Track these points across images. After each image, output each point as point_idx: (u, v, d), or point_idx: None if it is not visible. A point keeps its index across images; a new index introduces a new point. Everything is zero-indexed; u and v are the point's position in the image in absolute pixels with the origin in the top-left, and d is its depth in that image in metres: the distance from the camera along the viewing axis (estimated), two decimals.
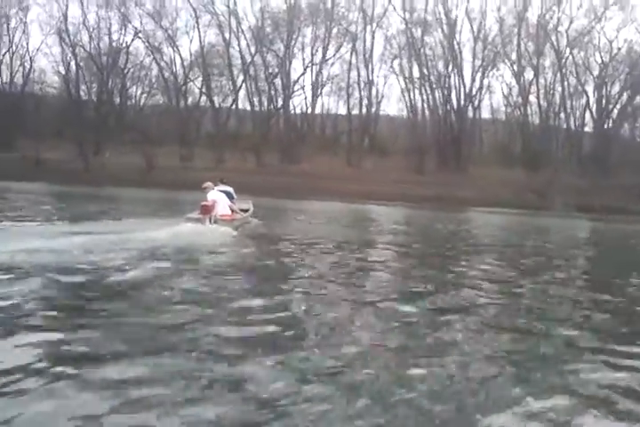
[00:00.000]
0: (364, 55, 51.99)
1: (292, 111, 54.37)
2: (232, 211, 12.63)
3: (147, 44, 52.92)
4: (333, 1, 52.27)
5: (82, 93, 52.62)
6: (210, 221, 11.72)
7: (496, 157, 49.15)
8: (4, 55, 52.46)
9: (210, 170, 43.22)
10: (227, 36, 52.36)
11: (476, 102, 52.36)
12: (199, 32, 53.39)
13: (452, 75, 51.32)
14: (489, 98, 60.94)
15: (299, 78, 53.54)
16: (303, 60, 53.21)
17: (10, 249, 7.11)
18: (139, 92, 55.65)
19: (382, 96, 54.54)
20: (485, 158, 49.43)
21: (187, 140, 49.18)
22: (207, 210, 11.87)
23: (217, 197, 12.36)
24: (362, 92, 52.56)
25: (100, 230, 9.83)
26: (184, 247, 8.82)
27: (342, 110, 55.27)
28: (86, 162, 44.50)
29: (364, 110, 52.61)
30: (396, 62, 52.30)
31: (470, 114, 51.97)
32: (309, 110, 54.22)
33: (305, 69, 52.82)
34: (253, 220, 14.16)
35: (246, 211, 13.98)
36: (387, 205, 32.87)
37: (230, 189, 13.65)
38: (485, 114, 55.94)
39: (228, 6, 51.74)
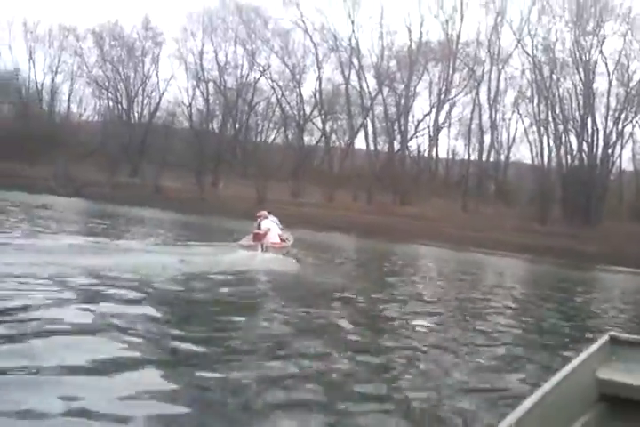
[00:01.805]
0: (489, 96, 49.77)
1: (411, 152, 53.07)
2: (281, 239, 13.40)
3: (271, 81, 54.06)
4: (458, 39, 50.77)
5: (205, 126, 54.34)
6: (262, 248, 12.64)
7: (634, 213, 44.36)
8: (137, 87, 55.31)
9: (319, 206, 42.84)
10: (347, 73, 52.43)
11: (613, 151, 47.51)
12: (319, 70, 53.35)
13: (586, 119, 47.14)
14: (631, 147, 53.46)
15: (422, 119, 52.26)
16: (429, 99, 52.10)
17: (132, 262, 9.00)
18: (260, 127, 56.70)
19: (513, 141, 51.06)
20: (621, 212, 44.81)
21: (300, 176, 49.02)
22: (259, 237, 12.92)
23: (271, 225, 13.40)
24: (484, 136, 50.18)
25: (190, 252, 11.45)
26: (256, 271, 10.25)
27: (465, 152, 52.99)
28: (202, 192, 45.49)
29: (485, 154, 50.18)
30: (523, 105, 49.65)
31: (605, 163, 47.25)
32: (428, 152, 52.68)
33: (430, 109, 51.59)
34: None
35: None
36: (501, 255, 29.97)
37: (276, 220, 14.27)
38: (624, 164, 50.02)
39: (351, 44, 51.74)
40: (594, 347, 2.75)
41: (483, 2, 49.43)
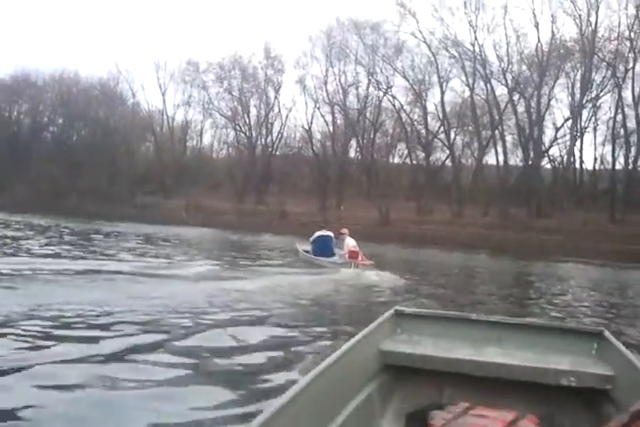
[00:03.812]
0: (634, 95, 43.88)
1: (552, 161, 48.31)
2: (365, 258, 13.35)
3: (392, 98, 52.51)
4: (595, 35, 44.72)
5: (331, 150, 53.80)
6: (354, 266, 12.56)
7: None
8: (262, 116, 56.22)
9: (446, 224, 40.30)
10: (472, 83, 48.97)
11: None
12: (442, 83, 50.45)
13: None
14: None
15: (561, 126, 47.35)
16: (569, 103, 46.91)
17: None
18: (384, 146, 55.20)
19: None
20: None
21: (425, 194, 46.69)
22: (355, 256, 12.93)
23: (354, 243, 13.48)
24: (631, 138, 44.58)
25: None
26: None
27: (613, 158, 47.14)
28: (325, 214, 44.78)
29: (633, 159, 44.24)
30: None
31: None
32: (568, 159, 47.20)
33: (570, 113, 46.41)
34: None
35: None
36: None
37: (332, 234, 14.47)
38: None
39: (474, 51, 47.85)
40: (379, 320, 2.94)
41: None
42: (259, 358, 4.70)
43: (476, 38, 47.62)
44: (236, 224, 40.64)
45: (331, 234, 14.46)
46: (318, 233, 14.51)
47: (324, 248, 14.15)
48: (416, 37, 49.64)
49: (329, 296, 8.95)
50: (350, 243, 13.46)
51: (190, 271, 10.78)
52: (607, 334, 2.92)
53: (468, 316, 3.27)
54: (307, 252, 15.12)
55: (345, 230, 14.13)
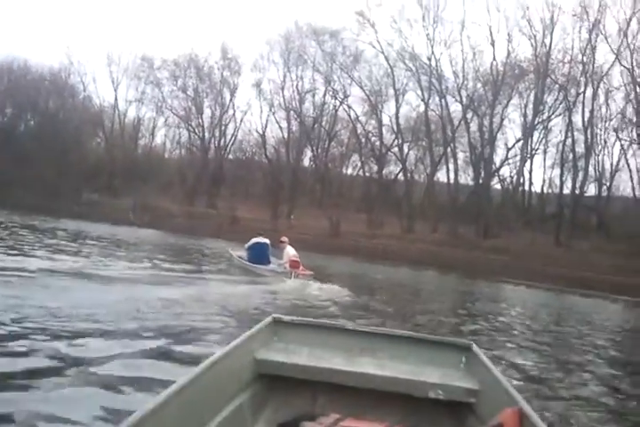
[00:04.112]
0: (584, 119, 44.88)
1: (501, 181, 49.20)
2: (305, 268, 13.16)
3: (348, 108, 52.75)
4: (549, 56, 45.91)
5: (285, 157, 53.52)
6: (293, 276, 12.23)
7: None
8: (216, 117, 55.44)
9: (396, 238, 40.69)
10: (427, 98, 49.57)
11: None
12: (397, 95, 50.82)
13: None
14: None
15: (512, 146, 48.07)
16: (522, 123, 47.61)
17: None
18: (337, 156, 55.33)
19: (615, 170, 45.35)
20: None
21: (377, 207, 47.03)
22: (296, 264, 12.71)
23: (295, 251, 13.21)
24: (580, 163, 45.56)
25: None
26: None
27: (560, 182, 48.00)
28: (275, 222, 44.55)
29: (581, 183, 45.03)
30: (624, 128, 44.38)
31: None
32: (517, 181, 48.11)
33: (522, 134, 47.12)
34: None
35: None
36: (602, 297, 26.54)
37: (268, 242, 14.19)
38: None
39: (430, 66, 48.52)
40: (256, 328, 2.88)
41: (576, 13, 44.25)
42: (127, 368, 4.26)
43: (432, 53, 48.32)
44: (185, 227, 39.86)
45: (267, 241, 14.21)
46: (255, 240, 14.18)
47: (260, 255, 13.90)
48: (374, 48, 50.13)
49: (257, 309, 8.04)
50: (291, 252, 13.23)
51: (114, 273, 10.04)
52: (475, 348, 2.99)
53: (343, 326, 3.30)
54: (241, 258, 14.80)
55: (285, 239, 13.87)
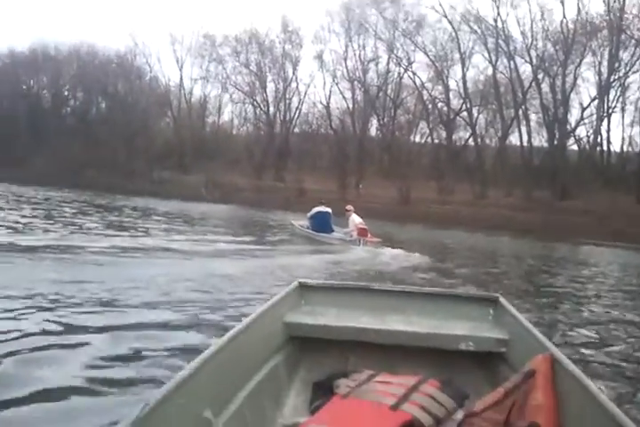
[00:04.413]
0: None
1: (577, 141, 47.05)
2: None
3: (413, 74, 51.52)
4: (622, 11, 43.13)
5: (352, 127, 52.97)
6: (361, 243, 12.22)
7: None
8: (280, 92, 55.30)
9: (468, 204, 39.69)
10: (495, 61, 47.93)
11: None
12: (464, 59, 49.31)
13: None
14: None
15: (587, 105, 45.90)
16: (596, 82, 45.49)
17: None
18: (404, 124, 54.23)
19: None
20: None
21: (447, 173, 45.93)
22: (364, 232, 12.69)
23: (361, 219, 13.17)
24: None
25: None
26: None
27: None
28: (344, 193, 44.31)
29: None
30: None
31: None
32: (594, 140, 45.99)
33: (597, 93, 45.02)
34: None
35: None
36: None
37: (330, 211, 14.15)
38: None
39: (497, 27, 46.95)
40: (282, 293, 2.90)
41: None
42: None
43: (498, 14, 46.63)
44: (254, 201, 40.31)
45: (329, 210, 14.16)
46: (317, 209, 14.18)
47: (323, 224, 13.90)
48: (437, 12, 48.71)
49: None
50: (356, 220, 13.16)
51: (181, 246, 10.31)
52: (502, 300, 3.01)
53: (369, 286, 3.33)
54: (303, 227, 14.82)
55: (350, 207, 13.73)
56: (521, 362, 2.17)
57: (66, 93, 61.39)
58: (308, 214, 14.50)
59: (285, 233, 16.36)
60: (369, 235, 12.90)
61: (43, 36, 74.47)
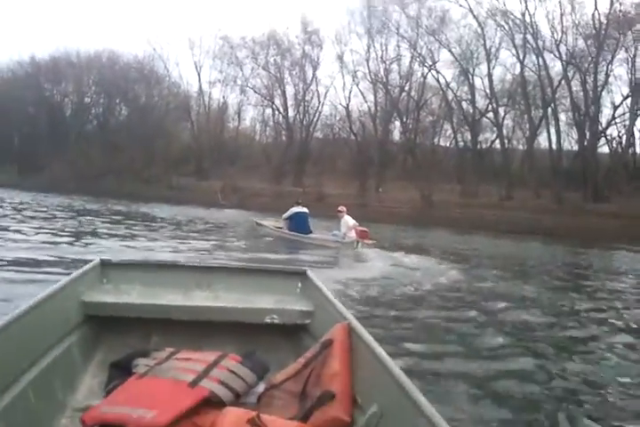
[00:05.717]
0: None
1: (609, 142, 44.33)
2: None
3: (436, 73, 49.71)
4: None
5: (373, 130, 51.44)
6: (359, 245, 11.79)
7: None
8: (300, 94, 54.01)
9: (493, 207, 37.78)
10: (522, 57, 45.76)
11: None
12: (489, 59, 47.22)
13: None
14: None
15: (620, 103, 43.50)
16: (629, 79, 43.12)
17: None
18: (428, 126, 52.43)
19: None
20: None
21: (471, 175, 44.04)
22: (365, 235, 12.21)
23: (354, 221, 12.70)
24: None
25: None
26: None
27: None
28: (363, 197, 42.88)
29: None
30: None
31: None
32: (627, 140, 43.24)
33: (631, 93, 42.07)
34: None
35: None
36: None
37: (307, 211, 13.67)
38: None
39: (524, 21, 44.70)
40: (79, 271, 2.77)
41: None
42: None
43: (527, 8, 44.38)
44: (272, 206, 39.12)
45: (307, 211, 13.71)
46: (294, 209, 13.72)
47: (301, 225, 13.41)
48: (462, 6, 46.87)
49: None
50: (350, 222, 12.78)
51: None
52: (310, 273, 3.13)
53: (176, 262, 3.25)
54: (279, 228, 14.26)
55: (342, 208, 13.18)
56: (323, 332, 2.22)
57: (88, 100, 61.25)
58: (285, 215, 13.88)
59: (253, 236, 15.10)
60: (368, 237, 12.46)
61: (64, 43, 74.56)
